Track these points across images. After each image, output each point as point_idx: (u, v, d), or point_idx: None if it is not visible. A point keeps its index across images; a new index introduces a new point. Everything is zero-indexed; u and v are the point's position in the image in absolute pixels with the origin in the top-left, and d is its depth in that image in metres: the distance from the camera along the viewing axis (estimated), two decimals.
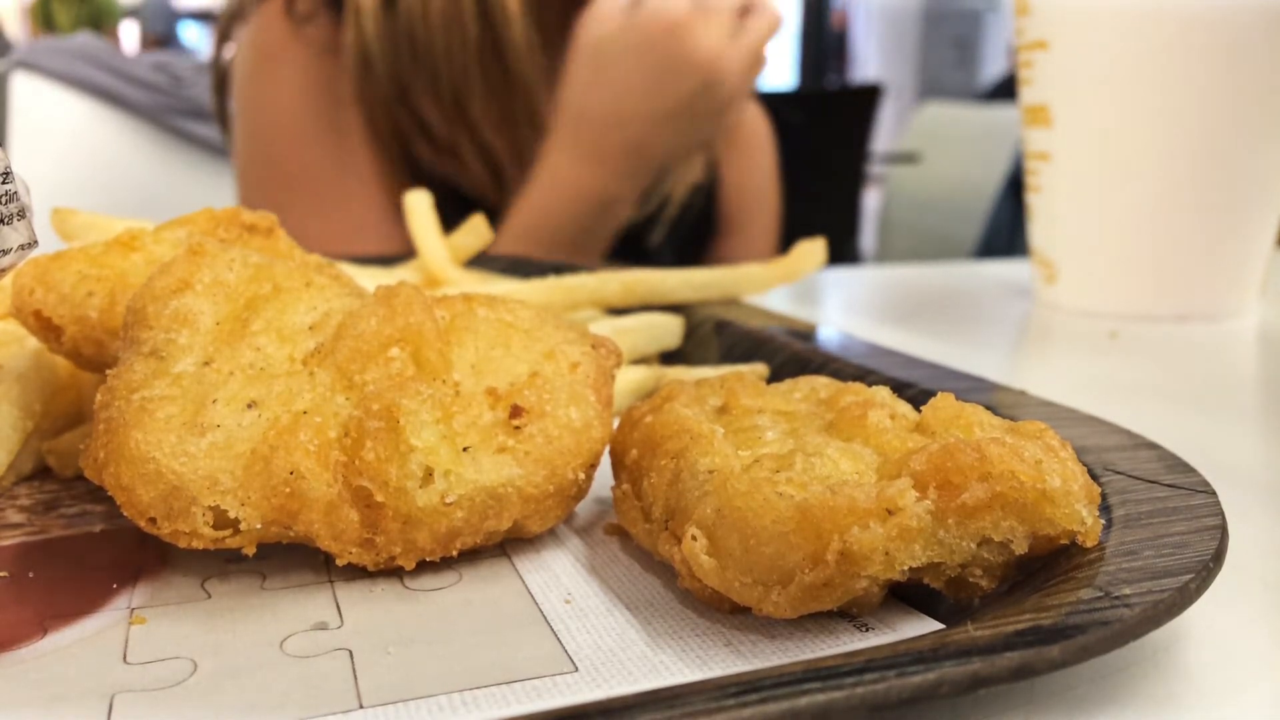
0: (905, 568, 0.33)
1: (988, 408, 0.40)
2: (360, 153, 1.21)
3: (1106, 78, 0.88)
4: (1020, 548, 0.35)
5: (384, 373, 0.41)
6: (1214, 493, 0.41)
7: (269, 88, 1.26)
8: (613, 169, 1.10)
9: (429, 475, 0.39)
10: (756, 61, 1.10)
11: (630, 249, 1.30)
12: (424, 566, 0.41)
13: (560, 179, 1.11)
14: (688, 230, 1.38)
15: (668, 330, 0.67)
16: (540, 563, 0.42)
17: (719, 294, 0.73)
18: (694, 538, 0.35)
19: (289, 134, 1.23)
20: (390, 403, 0.39)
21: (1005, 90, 4.44)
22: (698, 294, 0.72)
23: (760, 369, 0.63)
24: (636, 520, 0.41)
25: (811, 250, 0.73)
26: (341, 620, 0.37)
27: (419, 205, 0.75)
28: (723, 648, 0.35)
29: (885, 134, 4.70)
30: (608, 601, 0.39)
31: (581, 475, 0.43)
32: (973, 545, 0.34)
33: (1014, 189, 3.18)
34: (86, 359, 0.47)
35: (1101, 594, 0.33)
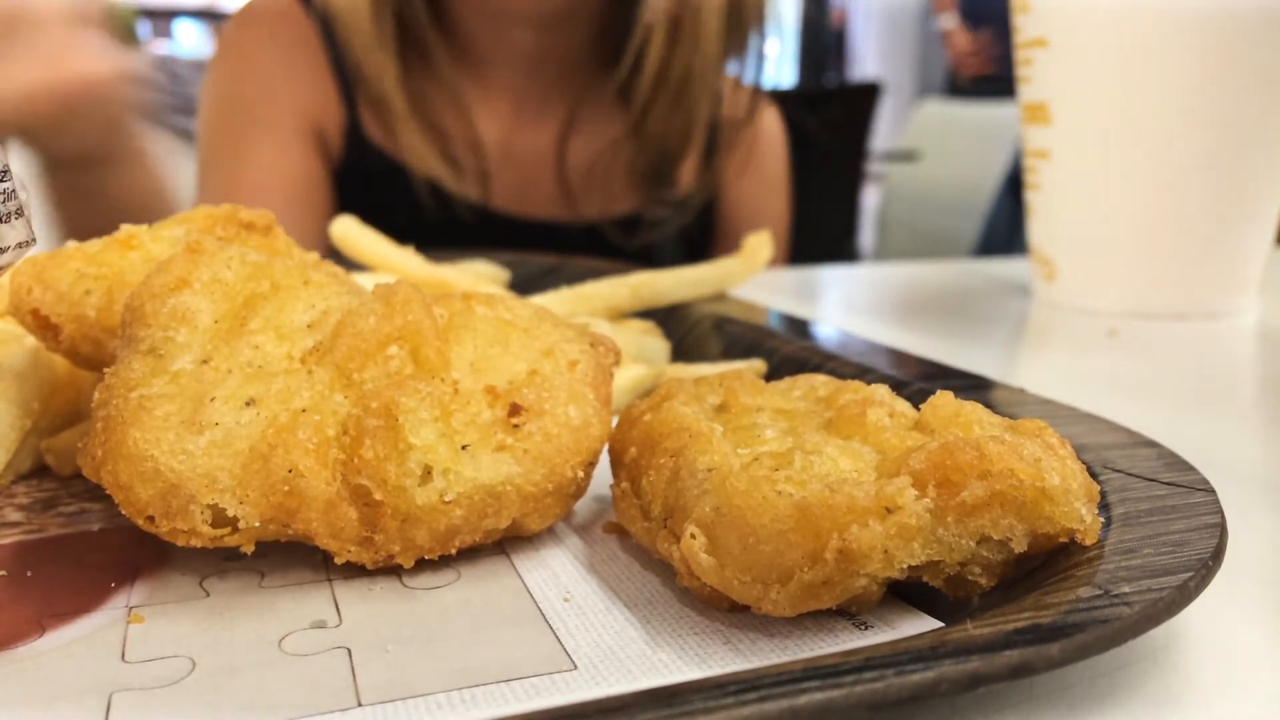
0: (904, 566, 0.33)
1: (987, 406, 0.40)
2: (268, 143, 1.23)
3: (1106, 75, 0.88)
4: (1019, 546, 0.35)
5: (383, 371, 0.41)
6: (1213, 490, 0.41)
7: (216, 70, 1.31)
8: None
9: (428, 473, 0.39)
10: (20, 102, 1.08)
11: (628, 251, 1.30)
12: (423, 565, 0.41)
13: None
14: (690, 237, 1.37)
15: (657, 352, 0.68)
16: (539, 561, 0.42)
17: (709, 289, 0.77)
18: (693, 536, 0.35)
19: (214, 113, 1.29)
20: (389, 401, 0.39)
21: (1003, 88, 4.43)
22: (692, 291, 0.76)
23: (757, 365, 0.63)
24: (635, 518, 0.41)
25: (760, 243, 0.82)
26: (340, 618, 0.37)
27: (351, 229, 0.73)
28: (722, 646, 0.35)
29: (884, 132, 4.70)
30: (606, 600, 0.39)
31: (580, 473, 0.43)
32: (972, 543, 0.34)
33: (1013, 187, 3.17)
34: (84, 357, 0.47)
35: (1100, 592, 0.33)
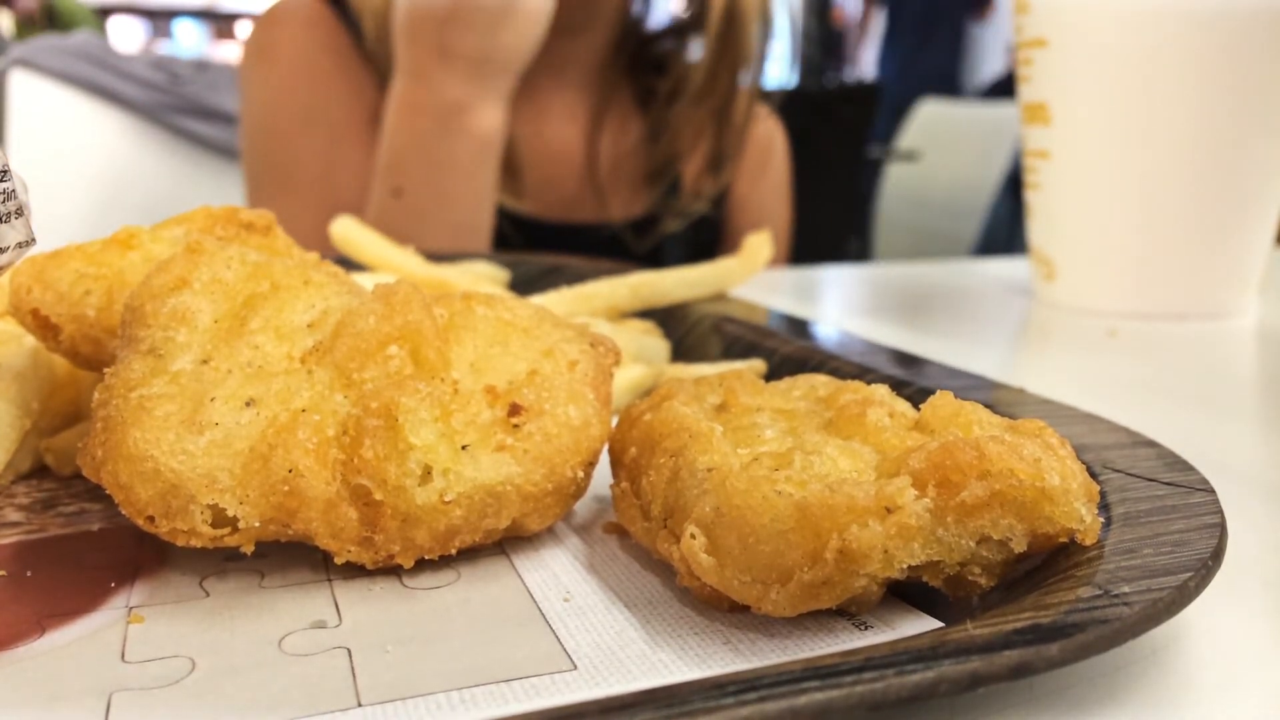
0: (904, 566, 0.33)
1: (987, 406, 0.40)
2: (350, 144, 1.22)
3: (1105, 76, 0.88)
4: (1019, 546, 0.35)
5: (382, 371, 0.41)
6: (1213, 490, 0.41)
7: (262, 80, 1.29)
8: (435, 73, 1.08)
9: (428, 473, 0.39)
10: None
11: (635, 252, 1.30)
12: (422, 565, 0.41)
13: (394, 98, 1.11)
14: (698, 241, 1.37)
15: (657, 352, 0.68)
16: (539, 561, 0.42)
17: (709, 290, 0.77)
18: (693, 536, 0.35)
19: (277, 124, 1.26)
20: (389, 401, 0.39)
21: (1004, 88, 4.45)
22: (692, 291, 0.76)
23: (757, 365, 0.63)
24: (635, 518, 0.41)
25: (760, 243, 0.82)
26: (340, 619, 0.37)
27: (351, 229, 0.73)
28: (721, 646, 0.35)
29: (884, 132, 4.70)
30: (606, 600, 0.39)
31: (580, 473, 0.43)
32: (972, 543, 0.34)
33: (1013, 187, 3.18)
34: (84, 357, 0.47)
35: (1100, 592, 0.33)
